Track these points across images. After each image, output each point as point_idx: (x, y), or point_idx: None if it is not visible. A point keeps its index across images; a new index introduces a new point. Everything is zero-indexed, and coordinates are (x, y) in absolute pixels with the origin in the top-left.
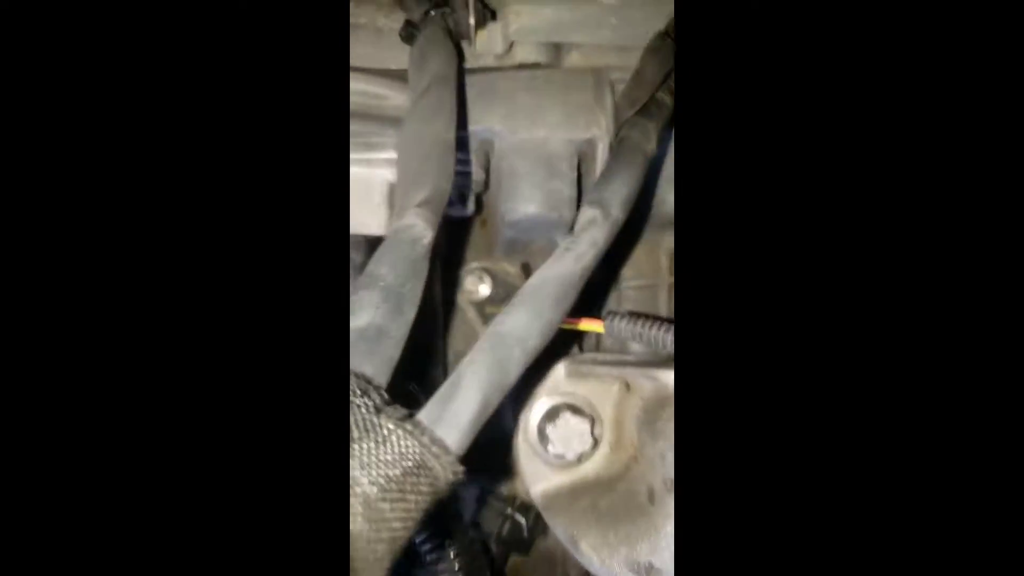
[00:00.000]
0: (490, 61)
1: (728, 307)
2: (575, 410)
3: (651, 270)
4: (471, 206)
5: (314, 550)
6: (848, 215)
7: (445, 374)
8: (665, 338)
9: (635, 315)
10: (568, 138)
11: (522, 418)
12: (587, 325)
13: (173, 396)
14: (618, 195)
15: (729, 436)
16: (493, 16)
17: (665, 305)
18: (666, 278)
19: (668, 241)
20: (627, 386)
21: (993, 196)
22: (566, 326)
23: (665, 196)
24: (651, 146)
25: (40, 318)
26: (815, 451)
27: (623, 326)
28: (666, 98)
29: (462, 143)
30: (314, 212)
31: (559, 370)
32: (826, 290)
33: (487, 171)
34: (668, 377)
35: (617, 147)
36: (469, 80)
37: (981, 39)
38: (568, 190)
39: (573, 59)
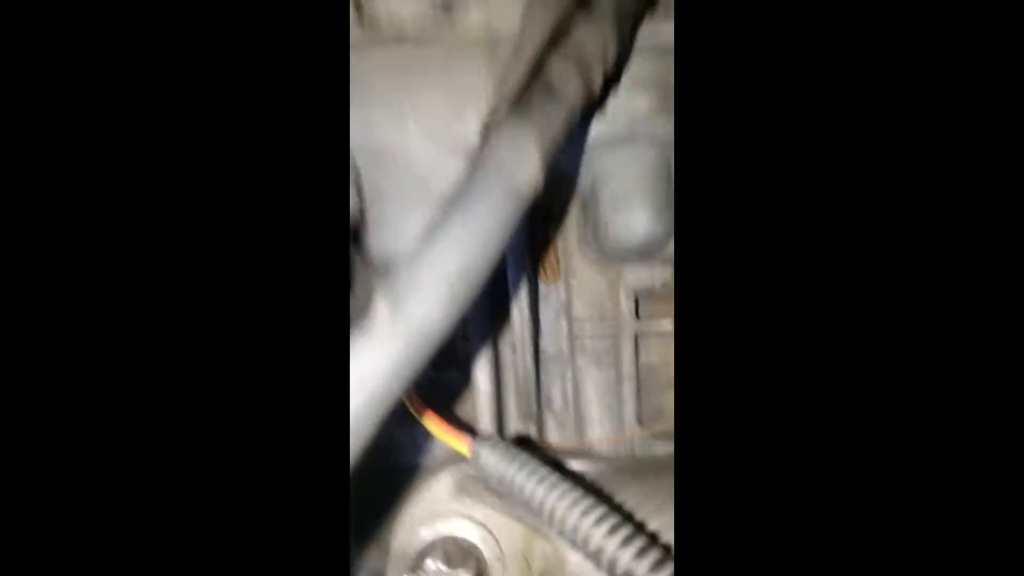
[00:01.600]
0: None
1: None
2: (454, 553)
3: (613, 312)
4: None
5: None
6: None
7: None
8: (555, 505)
9: (524, 445)
10: (452, 143)
11: (392, 552)
12: (447, 436)
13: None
14: (435, 273)
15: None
16: None
17: (630, 362)
18: (630, 324)
19: (631, 278)
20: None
21: (993, 196)
22: (420, 416)
23: (613, 220)
24: (526, 171)
25: (37, 321)
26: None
27: (496, 464)
28: (565, 84)
29: None
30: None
31: (442, 482)
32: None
33: (360, 194)
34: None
35: (465, 176)
36: None
37: (981, 39)
38: None
39: (470, 21)
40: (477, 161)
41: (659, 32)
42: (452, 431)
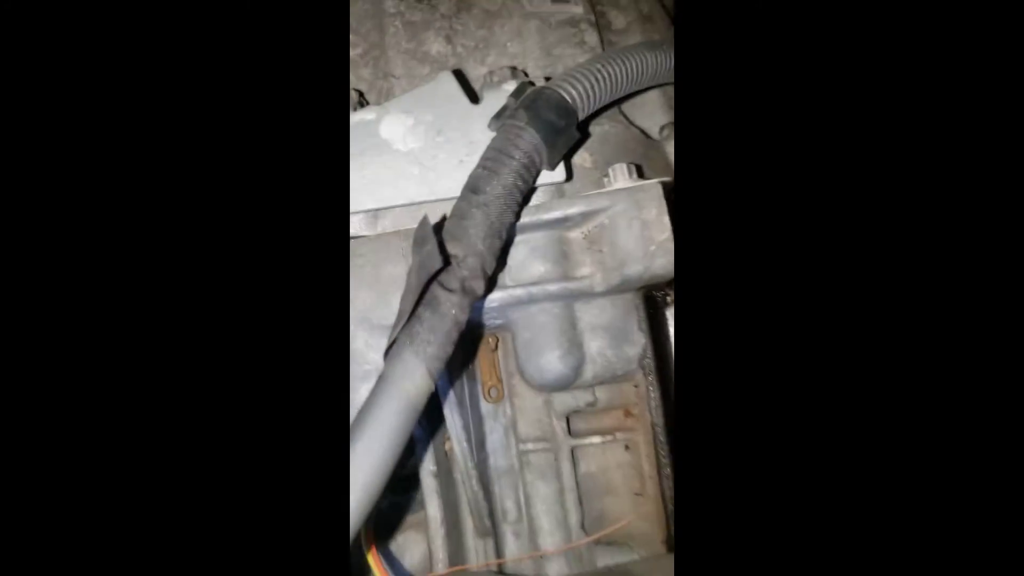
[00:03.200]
0: None
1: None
2: None
3: (550, 430)
4: None
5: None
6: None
7: None
8: None
9: None
10: (379, 325)
11: None
12: None
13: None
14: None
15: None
16: None
17: (569, 475)
18: (565, 442)
19: (559, 402)
20: None
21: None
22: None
23: (527, 365)
24: (414, 383)
25: (39, 319)
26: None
27: None
28: (447, 302)
29: None
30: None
31: None
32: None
33: None
34: None
35: (368, 395)
36: None
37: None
38: None
39: (389, 224)
40: (376, 383)
41: (551, 209)
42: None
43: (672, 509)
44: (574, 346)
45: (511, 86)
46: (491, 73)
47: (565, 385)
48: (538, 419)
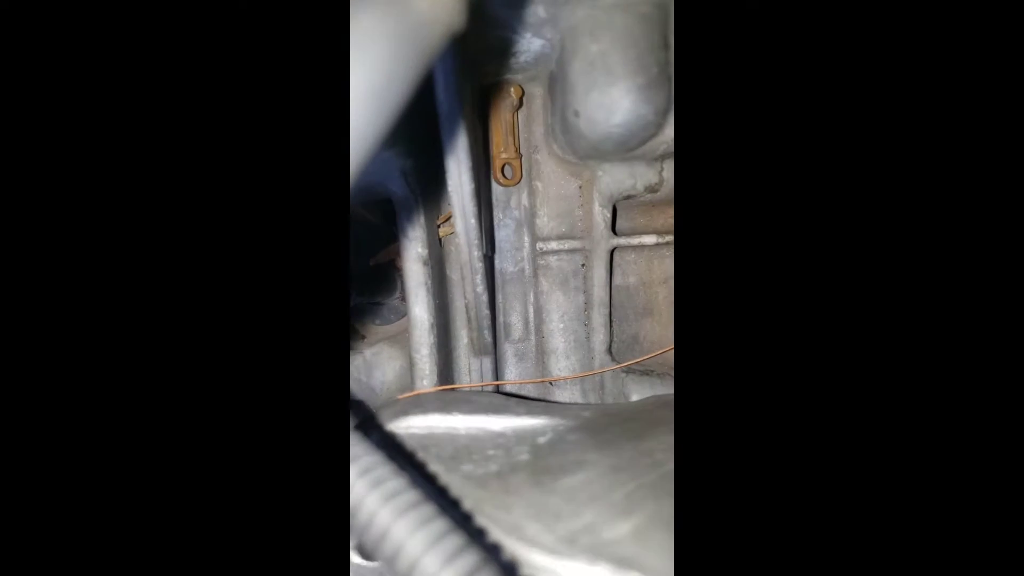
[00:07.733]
0: None
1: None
2: None
3: (584, 224)
4: None
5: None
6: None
7: None
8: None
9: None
10: None
11: None
12: None
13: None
14: None
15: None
16: None
17: (602, 286)
18: (605, 239)
19: (607, 181)
20: None
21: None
22: None
23: (586, 99)
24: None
25: (40, 318)
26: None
27: None
28: None
29: None
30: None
31: None
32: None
33: None
34: None
35: None
36: None
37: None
38: None
39: None
40: None
41: None
42: None
43: None
44: (660, 78)
45: None
46: None
47: (635, 136)
48: (568, 211)
